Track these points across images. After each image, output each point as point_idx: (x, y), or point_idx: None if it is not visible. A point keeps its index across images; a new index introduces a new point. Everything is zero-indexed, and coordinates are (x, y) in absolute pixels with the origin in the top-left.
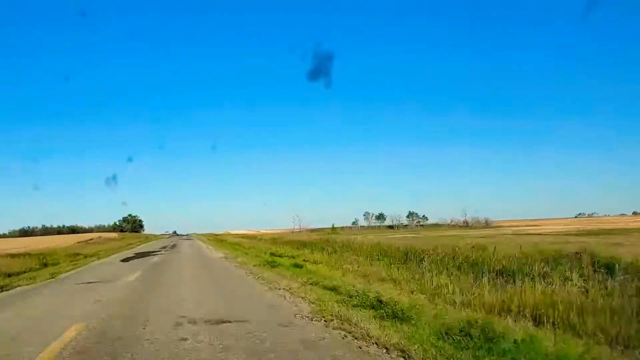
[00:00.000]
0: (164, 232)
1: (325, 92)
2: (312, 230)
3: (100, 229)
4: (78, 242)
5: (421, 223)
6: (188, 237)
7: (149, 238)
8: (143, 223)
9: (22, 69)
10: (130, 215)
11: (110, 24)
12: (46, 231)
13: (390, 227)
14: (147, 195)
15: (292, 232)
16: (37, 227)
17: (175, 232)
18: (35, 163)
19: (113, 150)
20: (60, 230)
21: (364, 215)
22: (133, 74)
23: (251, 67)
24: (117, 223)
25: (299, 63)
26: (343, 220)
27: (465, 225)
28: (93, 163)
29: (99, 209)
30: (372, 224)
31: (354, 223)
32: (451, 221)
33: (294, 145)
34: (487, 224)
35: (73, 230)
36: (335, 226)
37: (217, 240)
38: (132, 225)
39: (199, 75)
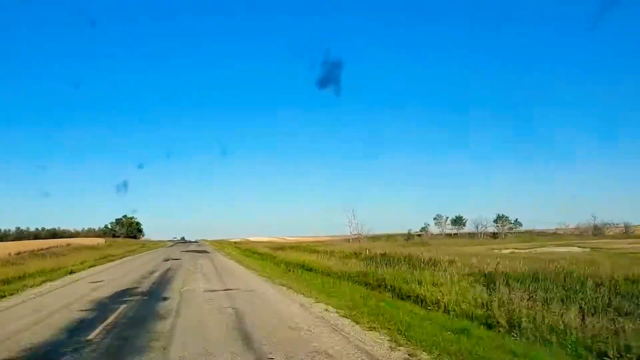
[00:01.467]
0: (171, 238)
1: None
2: (374, 239)
3: (90, 232)
4: (17, 254)
5: (513, 229)
6: (198, 245)
7: (145, 246)
8: (142, 227)
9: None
10: (125, 216)
11: (117, 30)
12: (20, 235)
13: (473, 234)
14: (152, 199)
15: (349, 240)
16: (10, 230)
17: (183, 239)
18: (36, 164)
19: (117, 152)
20: (37, 234)
21: (434, 219)
22: (139, 79)
23: (261, 71)
24: (110, 226)
25: (317, 62)
26: (401, 225)
27: (597, 232)
28: (95, 166)
29: (102, 213)
30: (447, 230)
31: (423, 229)
32: (576, 227)
33: (322, 145)
34: (626, 232)
35: (54, 234)
36: (411, 232)
37: (254, 256)
38: (127, 229)
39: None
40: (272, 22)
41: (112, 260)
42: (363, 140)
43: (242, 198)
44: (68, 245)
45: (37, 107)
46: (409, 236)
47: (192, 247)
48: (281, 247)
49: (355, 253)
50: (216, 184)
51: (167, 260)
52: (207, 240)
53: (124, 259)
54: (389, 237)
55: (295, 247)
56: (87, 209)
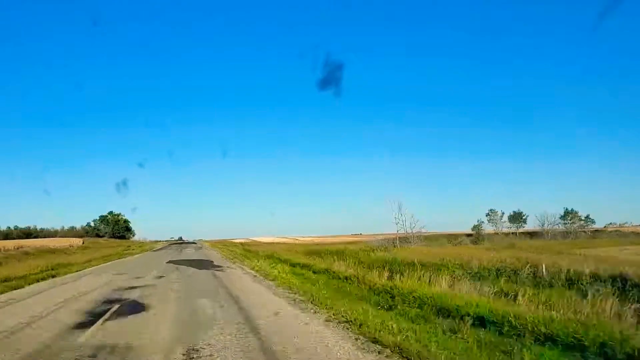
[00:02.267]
0: (169, 238)
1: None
2: (428, 239)
3: (69, 232)
4: None
5: (583, 228)
6: (197, 248)
7: (130, 249)
8: (130, 224)
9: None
10: (110, 213)
11: (120, 30)
12: None
13: (538, 233)
14: (150, 198)
15: (395, 240)
16: None
17: (180, 239)
18: (36, 163)
19: (117, 151)
20: (8, 234)
21: (487, 214)
22: (140, 79)
23: (263, 72)
24: (93, 224)
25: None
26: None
27: None
28: (93, 165)
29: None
30: (504, 229)
31: (476, 227)
32: None
33: (325, 145)
34: None
35: (28, 234)
36: (479, 231)
37: (337, 284)
38: (113, 227)
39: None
40: (275, 24)
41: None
42: (367, 139)
43: (242, 198)
44: (19, 248)
45: (38, 106)
46: (477, 236)
47: (189, 251)
48: (315, 251)
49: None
50: (215, 184)
51: (101, 312)
52: (206, 241)
53: (48, 281)
54: (450, 238)
55: (337, 252)
56: (85, 209)
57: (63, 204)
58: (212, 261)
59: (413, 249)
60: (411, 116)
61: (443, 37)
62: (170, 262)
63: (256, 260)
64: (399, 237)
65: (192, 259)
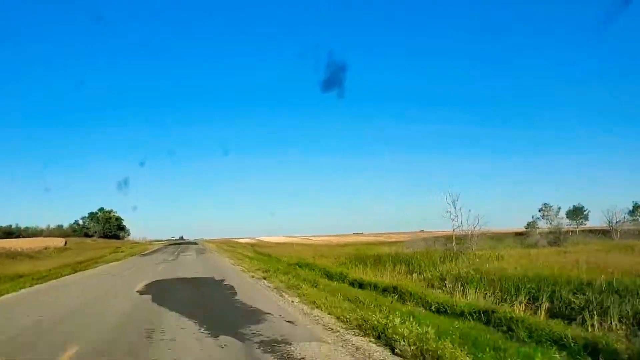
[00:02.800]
0: (169, 237)
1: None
2: (496, 239)
3: (57, 230)
4: None
5: None
6: (200, 252)
7: (118, 251)
8: (123, 223)
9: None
10: (101, 210)
11: (120, 31)
12: None
13: (603, 232)
14: (151, 197)
15: (452, 240)
16: None
17: (181, 238)
18: (36, 161)
19: (117, 150)
20: None
21: (540, 210)
22: (141, 77)
23: (264, 71)
24: (82, 222)
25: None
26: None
27: None
28: (93, 163)
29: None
30: (559, 225)
31: (530, 224)
32: None
33: (329, 142)
34: None
35: (9, 232)
36: (561, 230)
37: None
38: (104, 226)
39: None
40: (275, 24)
41: None
42: (369, 138)
43: (244, 196)
44: None
45: (38, 106)
46: (559, 235)
47: (189, 257)
48: (355, 257)
49: None
50: (217, 183)
51: None
52: (208, 241)
53: None
54: (506, 237)
55: (397, 259)
56: (85, 209)
57: (63, 203)
58: (230, 286)
59: (511, 256)
60: (413, 115)
61: (443, 37)
62: (146, 288)
63: (334, 291)
64: (456, 235)
65: (192, 278)
